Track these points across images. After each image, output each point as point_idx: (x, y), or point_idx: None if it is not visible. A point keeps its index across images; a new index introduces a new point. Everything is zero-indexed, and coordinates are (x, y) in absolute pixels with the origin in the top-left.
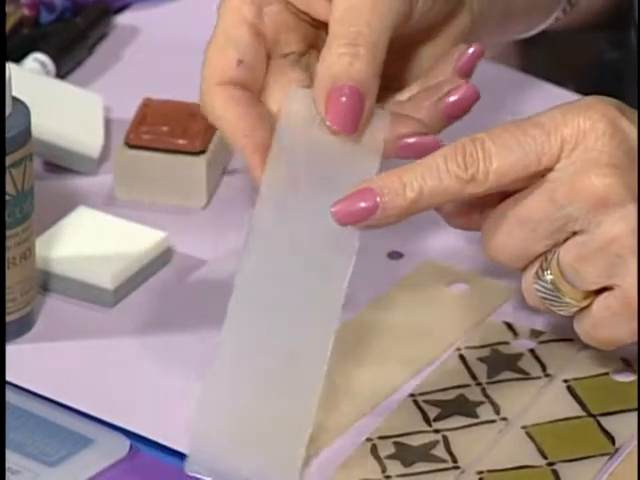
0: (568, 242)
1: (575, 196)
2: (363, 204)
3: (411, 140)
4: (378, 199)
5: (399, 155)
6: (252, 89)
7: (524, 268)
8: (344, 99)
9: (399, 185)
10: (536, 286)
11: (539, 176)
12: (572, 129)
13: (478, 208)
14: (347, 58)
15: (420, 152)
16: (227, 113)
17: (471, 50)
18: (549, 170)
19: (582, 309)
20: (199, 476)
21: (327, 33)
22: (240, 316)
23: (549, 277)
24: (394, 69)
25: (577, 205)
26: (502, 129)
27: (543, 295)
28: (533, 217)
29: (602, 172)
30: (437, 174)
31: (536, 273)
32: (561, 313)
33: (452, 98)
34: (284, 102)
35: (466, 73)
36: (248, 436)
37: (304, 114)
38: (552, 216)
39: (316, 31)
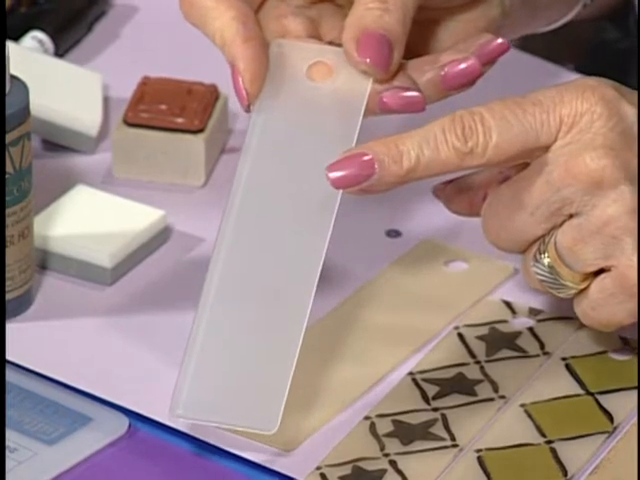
0: (565, 225)
1: (570, 179)
2: (359, 169)
3: (395, 92)
4: (375, 165)
5: (381, 107)
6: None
7: (524, 251)
8: (375, 42)
9: (396, 153)
10: (535, 269)
11: (536, 153)
12: (569, 110)
13: (478, 194)
14: (378, 12)
15: (403, 106)
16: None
17: (498, 42)
18: (546, 149)
19: (581, 291)
20: (182, 419)
21: None
22: (225, 255)
23: (546, 260)
24: (412, 40)
25: (572, 187)
26: (501, 105)
27: (542, 278)
28: (531, 201)
29: (596, 154)
30: (435, 144)
31: (534, 256)
32: (560, 295)
33: (453, 69)
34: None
35: (485, 62)
36: (231, 382)
37: (289, 68)
38: (549, 199)
39: None
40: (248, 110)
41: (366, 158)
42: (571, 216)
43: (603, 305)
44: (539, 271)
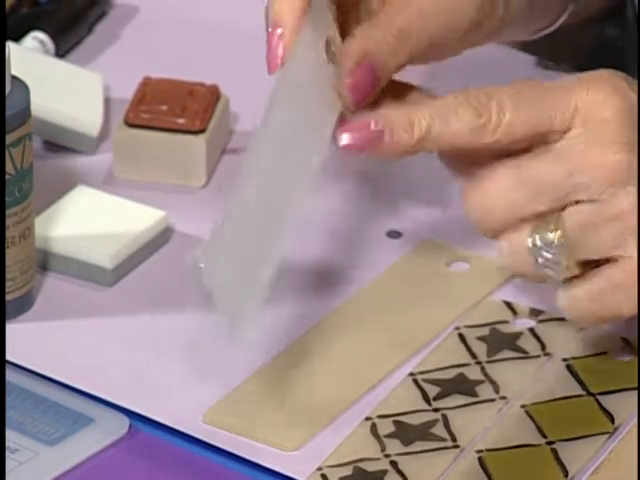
0: (577, 207)
1: (588, 168)
2: (369, 135)
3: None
4: (386, 133)
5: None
6: None
7: (512, 227)
8: (367, 79)
9: (407, 121)
10: (532, 242)
11: (548, 138)
12: (585, 99)
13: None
14: (390, 49)
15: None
16: None
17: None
18: (558, 135)
19: (570, 280)
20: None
21: None
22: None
23: (552, 235)
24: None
25: (589, 176)
26: (519, 85)
27: (538, 253)
28: (541, 180)
29: (617, 147)
30: (447, 117)
31: (535, 232)
32: (549, 274)
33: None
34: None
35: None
36: (236, 269)
37: (317, 34)
38: (561, 183)
39: None
40: (272, 73)
41: (377, 124)
42: (577, 202)
43: (605, 295)
44: (539, 244)
